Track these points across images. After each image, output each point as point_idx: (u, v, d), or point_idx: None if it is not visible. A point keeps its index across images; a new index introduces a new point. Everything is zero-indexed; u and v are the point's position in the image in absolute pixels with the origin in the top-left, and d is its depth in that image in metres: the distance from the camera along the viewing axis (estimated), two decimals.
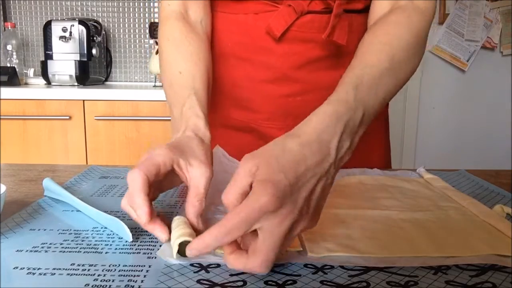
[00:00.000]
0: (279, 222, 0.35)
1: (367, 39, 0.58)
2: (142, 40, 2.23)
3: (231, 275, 0.37)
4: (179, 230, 0.41)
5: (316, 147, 0.39)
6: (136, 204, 0.42)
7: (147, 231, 0.46)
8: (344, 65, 0.74)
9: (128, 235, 0.43)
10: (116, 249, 0.42)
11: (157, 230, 0.42)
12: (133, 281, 0.35)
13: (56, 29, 1.92)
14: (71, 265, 0.38)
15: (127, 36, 2.23)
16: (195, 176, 0.46)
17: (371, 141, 0.82)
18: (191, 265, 0.38)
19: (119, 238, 0.44)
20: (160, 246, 0.42)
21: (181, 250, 0.39)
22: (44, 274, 0.36)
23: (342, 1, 0.68)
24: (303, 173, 0.37)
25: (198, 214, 0.45)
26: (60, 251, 0.41)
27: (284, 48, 0.71)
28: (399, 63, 0.55)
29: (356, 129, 0.44)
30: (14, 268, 0.37)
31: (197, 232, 0.42)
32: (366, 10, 0.76)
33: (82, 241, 0.43)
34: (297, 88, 0.73)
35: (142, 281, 0.35)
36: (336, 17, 0.68)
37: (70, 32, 1.92)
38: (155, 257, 0.40)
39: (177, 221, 0.44)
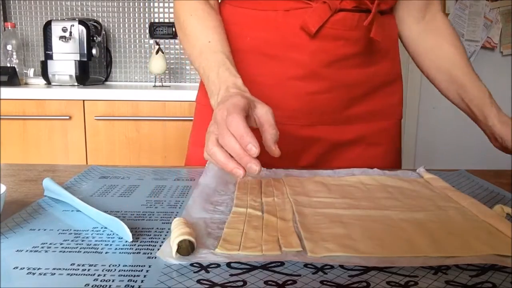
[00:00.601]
0: None
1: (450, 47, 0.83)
2: (142, 40, 2.23)
3: (231, 275, 0.37)
4: (178, 230, 0.41)
5: None
6: (247, 139, 0.48)
7: (147, 231, 0.46)
8: (372, 63, 0.79)
9: (128, 235, 0.43)
10: (116, 249, 0.42)
11: (255, 162, 0.48)
12: (133, 281, 0.35)
13: (56, 29, 1.92)
14: (71, 265, 0.38)
15: (127, 36, 2.23)
16: (262, 113, 0.54)
17: (384, 141, 0.83)
18: (191, 265, 0.38)
19: (119, 238, 0.44)
20: (160, 246, 0.42)
21: (181, 249, 0.39)
22: (44, 274, 0.36)
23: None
24: None
25: (275, 140, 0.52)
26: (60, 251, 0.41)
27: (316, 45, 0.72)
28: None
29: None
30: (14, 268, 0.37)
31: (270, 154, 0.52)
32: (386, 12, 0.79)
33: (82, 241, 0.43)
34: (325, 85, 0.74)
35: (142, 281, 0.35)
36: (377, 7, 0.71)
37: (70, 32, 1.92)
38: (155, 257, 0.40)
39: (176, 221, 0.44)
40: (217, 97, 0.61)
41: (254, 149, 0.48)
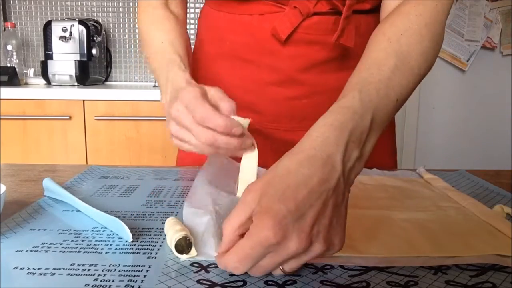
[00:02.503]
0: (287, 253, 0.34)
1: (372, 37, 0.53)
2: None
3: (231, 275, 0.37)
4: (172, 229, 0.41)
5: (319, 163, 0.36)
6: (226, 123, 0.44)
7: (147, 231, 0.46)
8: (351, 67, 0.73)
9: (128, 235, 0.43)
10: (116, 249, 0.42)
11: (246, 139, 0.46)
12: (133, 281, 0.35)
13: (56, 29, 1.92)
14: (71, 265, 0.38)
15: (127, 36, 2.23)
16: (210, 92, 0.50)
17: (377, 143, 0.81)
18: (191, 265, 0.38)
19: (119, 238, 0.44)
20: (161, 246, 0.42)
21: (178, 247, 0.39)
22: (44, 274, 0.36)
23: (352, 1, 0.67)
24: (305, 196, 0.34)
25: (233, 109, 0.48)
26: (60, 251, 0.41)
27: (290, 50, 0.70)
28: (409, 58, 0.49)
29: (365, 136, 0.40)
30: (14, 268, 0.37)
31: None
32: (373, 10, 0.75)
33: (82, 241, 0.43)
34: (303, 91, 0.73)
35: (142, 281, 0.35)
36: (346, 19, 0.67)
37: (70, 32, 1.92)
38: (155, 257, 0.40)
39: (170, 221, 0.44)
40: (165, 95, 0.57)
41: (222, 124, 0.45)
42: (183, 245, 0.39)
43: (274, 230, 0.32)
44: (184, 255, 0.39)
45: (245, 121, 0.48)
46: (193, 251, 0.40)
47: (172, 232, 0.41)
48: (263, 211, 0.34)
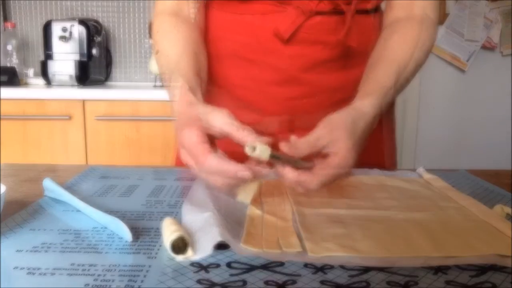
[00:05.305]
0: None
1: (396, 40, 0.68)
2: (142, 40, 2.23)
3: (231, 275, 0.37)
4: (169, 230, 0.41)
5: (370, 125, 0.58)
6: (230, 170, 0.46)
7: (147, 231, 0.46)
8: (352, 66, 0.75)
9: (128, 235, 0.43)
10: (116, 249, 0.42)
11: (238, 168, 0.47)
12: (133, 281, 0.35)
13: (56, 29, 1.92)
14: (71, 265, 0.38)
15: (127, 36, 2.23)
16: (218, 122, 0.49)
17: (376, 142, 0.81)
18: (191, 265, 0.38)
19: (119, 238, 0.44)
20: (161, 246, 0.42)
21: (174, 248, 0.39)
22: (44, 274, 0.36)
23: (358, 0, 0.68)
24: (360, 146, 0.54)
25: (254, 135, 0.48)
26: (60, 251, 0.41)
27: (292, 50, 0.70)
28: (418, 66, 0.67)
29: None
30: (14, 268, 0.37)
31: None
32: (372, 11, 0.75)
33: (82, 241, 0.43)
34: (304, 91, 0.73)
35: (142, 281, 0.35)
36: (352, 18, 0.68)
37: (70, 32, 1.92)
38: (155, 257, 0.40)
39: (166, 222, 0.44)
40: (173, 109, 0.59)
41: (246, 173, 0.46)
42: (179, 246, 0.39)
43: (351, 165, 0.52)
44: (180, 255, 0.39)
45: (264, 151, 0.47)
46: (189, 252, 0.40)
47: (168, 232, 0.41)
48: (348, 148, 0.52)
